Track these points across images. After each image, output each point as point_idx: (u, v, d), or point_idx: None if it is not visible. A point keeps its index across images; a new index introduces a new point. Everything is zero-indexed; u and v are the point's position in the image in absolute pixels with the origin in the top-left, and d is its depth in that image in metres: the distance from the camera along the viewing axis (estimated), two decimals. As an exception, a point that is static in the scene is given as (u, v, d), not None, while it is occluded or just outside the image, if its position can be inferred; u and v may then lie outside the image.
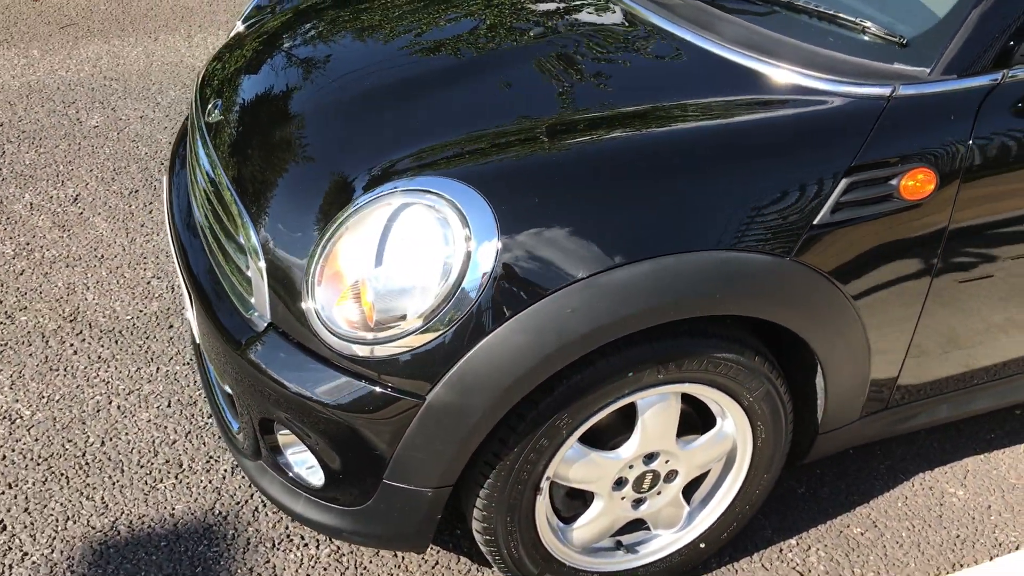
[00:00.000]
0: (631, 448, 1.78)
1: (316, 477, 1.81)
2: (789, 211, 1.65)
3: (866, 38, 1.84)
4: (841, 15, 1.88)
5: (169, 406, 2.42)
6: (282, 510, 1.91)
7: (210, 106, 2.09)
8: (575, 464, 1.76)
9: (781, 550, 2.10)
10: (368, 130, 1.84)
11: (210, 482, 2.22)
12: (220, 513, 2.14)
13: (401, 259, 1.60)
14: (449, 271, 1.55)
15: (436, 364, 1.57)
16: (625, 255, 1.56)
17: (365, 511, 1.76)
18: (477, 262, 1.53)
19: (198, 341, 2.04)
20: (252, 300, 1.78)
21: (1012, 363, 2.09)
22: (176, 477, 2.23)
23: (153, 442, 2.31)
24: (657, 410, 1.76)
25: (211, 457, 2.28)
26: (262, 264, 1.74)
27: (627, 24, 2.06)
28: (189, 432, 2.35)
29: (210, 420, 2.39)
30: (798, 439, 1.99)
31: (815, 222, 1.66)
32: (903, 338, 1.88)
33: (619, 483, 1.83)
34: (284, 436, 1.83)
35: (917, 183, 1.70)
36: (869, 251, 1.73)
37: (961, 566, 2.08)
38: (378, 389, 1.61)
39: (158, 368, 2.52)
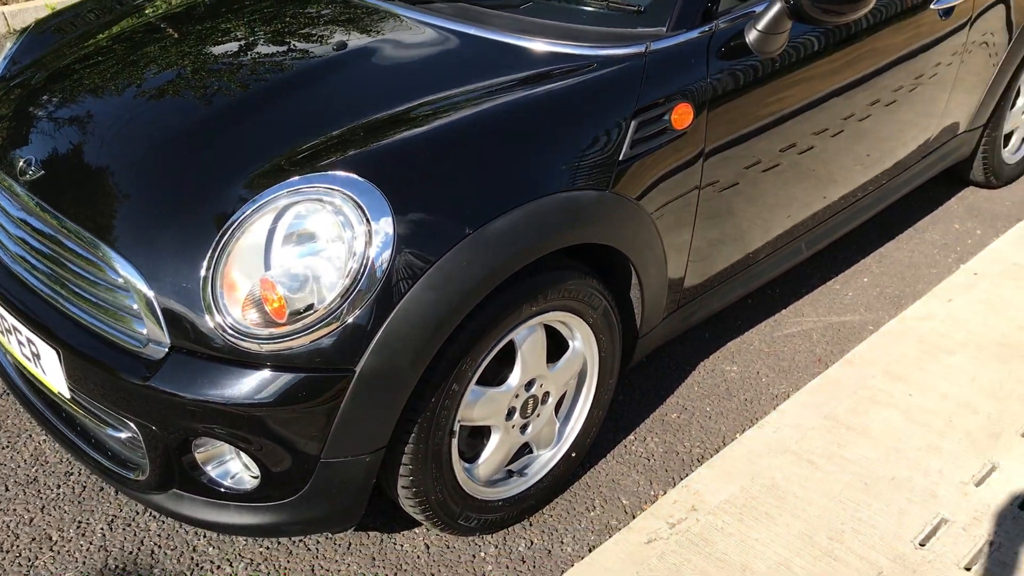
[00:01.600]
0: (515, 379, 2.07)
1: (246, 482, 1.90)
2: (601, 153, 2.02)
3: (610, 11, 2.27)
4: (587, -3, 2.29)
5: (7, 490, 2.32)
6: (207, 528, 1.98)
7: (21, 164, 2.07)
8: (476, 404, 2.01)
9: (624, 444, 2.49)
10: (219, 149, 1.97)
11: (91, 543, 2.19)
12: (117, 568, 2.13)
13: (303, 252, 1.76)
14: (354, 253, 1.74)
15: (360, 337, 1.76)
16: (496, 208, 1.85)
17: (302, 498, 1.89)
18: (378, 239, 1.74)
19: (64, 393, 2.01)
20: (143, 331, 1.84)
21: (756, 252, 2.63)
22: (51, 550, 2.17)
23: (7, 526, 2.22)
24: (531, 342, 2.06)
25: (80, 521, 2.24)
26: (149, 292, 1.81)
27: (403, 24, 2.33)
28: (43, 506, 2.28)
29: (60, 489, 2.32)
30: (623, 347, 2.38)
31: (620, 159, 2.05)
32: (686, 244, 2.33)
33: (510, 413, 2.11)
34: (202, 453, 1.91)
35: (681, 115, 2.15)
36: (658, 176, 2.15)
37: (757, 419, 2.59)
38: (308, 375, 1.76)
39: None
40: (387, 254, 1.74)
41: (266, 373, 1.77)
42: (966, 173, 3.65)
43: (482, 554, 2.17)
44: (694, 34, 2.22)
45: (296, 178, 1.81)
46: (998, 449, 2.46)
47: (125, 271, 1.84)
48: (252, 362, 1.78)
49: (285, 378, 1.77)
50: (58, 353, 1.95)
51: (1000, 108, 3.46)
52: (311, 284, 1.76)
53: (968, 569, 2.13)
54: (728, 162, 2.32)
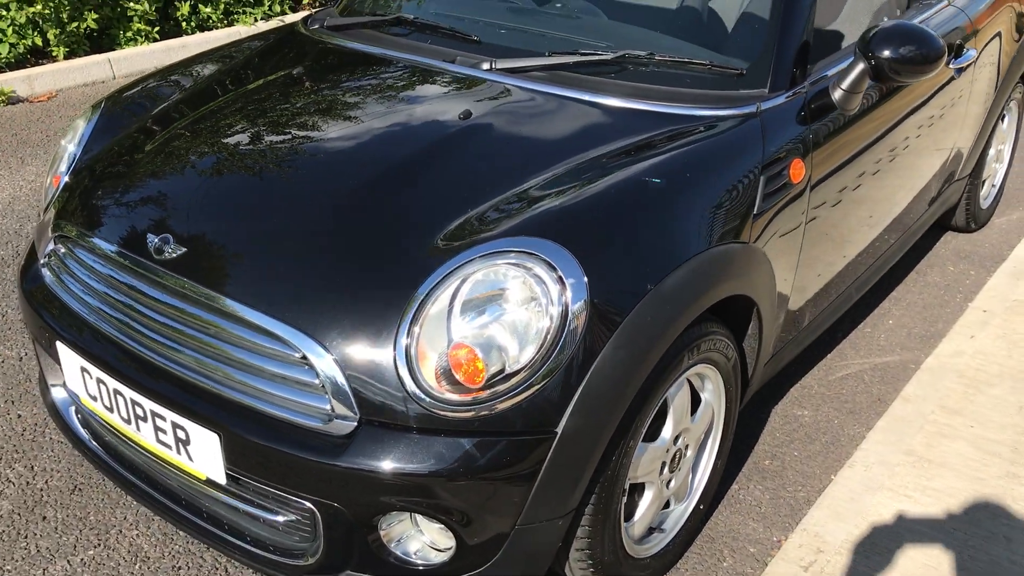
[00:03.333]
0: (668, 432, 2.10)
1: (432, 556, 1.86)
2: (741, 208, 2.10)
3: (711, 73, 2.37)
4: (692, 60, 2.38)
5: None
6: (388, 609, 1.91)
7: (155, 243, 1.98)
8: (639, 460, 2.03)
9: (731, 494, 2.54)
10: (386, 218, 1.95)
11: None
12: (266, 659, 2.02)
13: (499, 317, 1.76)
14: (551, 315, 1.75)
15: (560, 398, 1.76)
16: (668, 264, 1.90)
17: (491, 567, 1.86)
18: (573, 300, 1.76)
19: (218, 479, 1.92)
20: (326, 407, 1.78)
21: (830, 289, 2.73)
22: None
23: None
24: (681, 395, 2.10)
25: (209, 616, 2.12)
26: (334, 368, 1.76)
27: (513, 93, 2.35)
28: (162, 604, 2.14)
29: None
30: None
31: (755, 212, 2.14)
32: (790, 287, 2.42)
33: (661, 468, 2.13)
34: (387, 530, 1.85)
35: (796, 170, 2.27)
36: (776, 224, 2.24)
37: (843, 460, 2.68)
38: (511, 439, 1.75)
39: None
40: (582, 314, 1.76)
41: (468, 440, 1.75)
42: (948, 219, 3.91)
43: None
44: (790, 94, 2.34)
45: (486, 243, 1.82)
46: (1066, 471, 2.63)
47: (305, 347, 1.79)
48: (452, 430, 1.75)
49: (489, 444, 1.75)
50: (220, 436, 1.86)
51: (983, 157, 3.75)
52: (508, 348, 1.75)
53: (1084, 585, 2.25)
54: (819, 212, 2.44)
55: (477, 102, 2.30)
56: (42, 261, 2.29)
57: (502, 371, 1.75)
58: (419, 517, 1.86)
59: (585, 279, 1.78)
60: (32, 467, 2.57)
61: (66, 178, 2.39)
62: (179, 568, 2.26)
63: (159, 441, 2.00)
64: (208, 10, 6.33)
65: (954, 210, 3.85)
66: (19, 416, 2.77)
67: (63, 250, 2.23)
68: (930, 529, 2.40)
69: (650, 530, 2.24)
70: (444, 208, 1.96)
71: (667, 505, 2.27)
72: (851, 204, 2.62)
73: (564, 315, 1.76)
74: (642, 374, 1.85)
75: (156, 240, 2.00)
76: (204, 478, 1.97)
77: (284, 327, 1.81)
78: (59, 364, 2.19)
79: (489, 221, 1.89)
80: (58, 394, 2.39)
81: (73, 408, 2.37)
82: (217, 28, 6.44)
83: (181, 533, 2.36)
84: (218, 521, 2.05)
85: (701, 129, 2.18)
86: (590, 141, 2.15)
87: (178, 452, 1.97)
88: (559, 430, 1.77)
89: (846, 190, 2.55)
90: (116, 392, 2.03)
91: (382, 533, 1.85)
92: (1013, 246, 3.95)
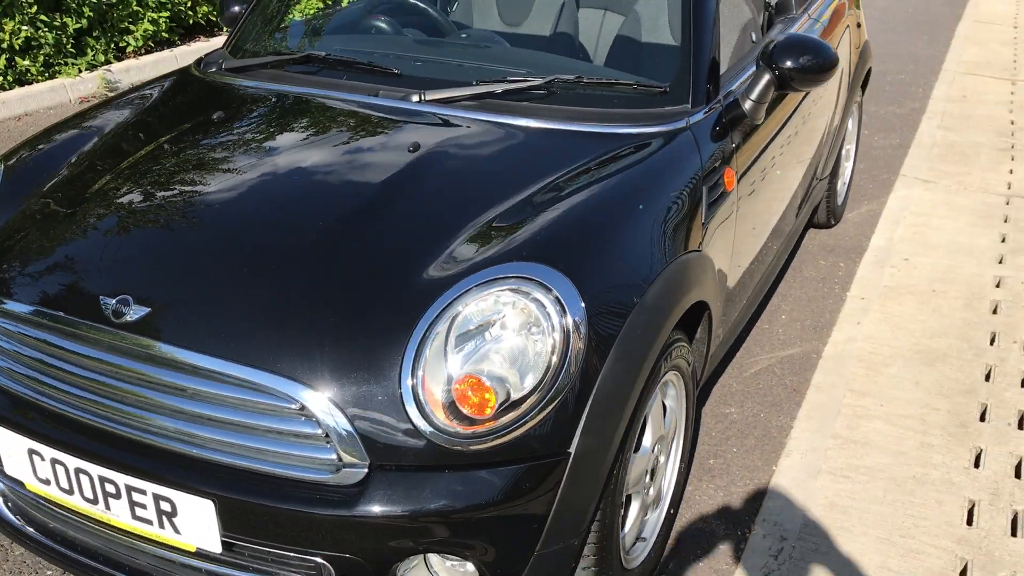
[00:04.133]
0: (648, 441, 2.14)
1: (455, 593, 1.82)
2: (691, 218, 2.19)
3: (635, 93, 2.45)
4: (619, 81, 2.46)
5: None
6: (408, 658, 1.85)
7: (113, 306, 1.85)
8: (631, 472, 2.06)
9: (687, 497, 2.61)
10: (362, 257, 1.90)
11: None
12: None
13: (502, 345, 1.76)
14: (555, 342, 1.76)
15: (570, 419, 1.78)
16: (646, 277, 1.95)
17: (509, 606, 1.84)
18: (573, 322, 1.78)
19: (212, 549, 1.82)
20: (332, 457, 1.73)
21: (746, 284, 2.86)
22: None
23: None
24: (656, 403, 2.15)
25: None
26: (338, 415, 1.71)
27: (458, 124, 2.35)
28: None
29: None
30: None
31: (703, 222, 2.23)
32: (726, 289, 2.53)
33: (645, 477, 2.17)
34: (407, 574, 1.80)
35: (729, 178, 2.38)
36: (715, 231, 2.35)
37: (779, 450, 2.82)
38: (529, 464, 1.75)
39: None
40: (583, 334, 1.79)
41: (486, 472, 1.73)
42: (812, 216, 4.18)
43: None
44: (708, 108, 2.46)
45: (478, 272, 1.81)
46: (971, 435, 2.87)
47: (302, 397, 1.72)
48: (468, 464, 1.73)
49: (507, 472, 1.74)
50: (215, 503, 1.75)
51: (838, 158, 4.04)
52: (514, 375, 1.75)
53: (1015, 535, 2.46)
54: (740, 214, 2.56)
55: (419, 134, 2.28)
56: None
57: (510, 399, 1.74)
58: (433, 559, 1.82)
59: (582, 302, 1.80)
60: (-50, 569, 2.33)
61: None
62: (150, 653, 2.10)
63: (136, 518, 1.86)
64: (26, 63, 5.95)
65: (817, 208, 4.12)
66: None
67: (-11, 326, 2.04)
68: (873, 504, 2.56)
69: (635, 540, 2.28)
70: (422, 241, 1.93)
71: (644, 514, 2.32)
72: (759, 204, 2.77)
73: (566, 336, 1.77)
74: (639, 386, 1.89)
75: (113, 303, 1.87)
76: (193, 550, 1.85)
77: (276, 378, 1.74)
78: (-4, 451, 2.00)
79: (472, 250, 1.89)
80: (-14, 489, 2.18)
81: (0, 499, 2.17)
82: (38, 81, 6.06)
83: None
84: (207, 595, 1.93)
85: (649, 144, 2.25)
86: (544, 165, 2.18)
87: (160, 526, 1.84)
88: (572, 450, 1.78)
89: (754, 193, 2.69)
90: (79, 471, 1.87)
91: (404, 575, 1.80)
92: (868, 237, 4.27)
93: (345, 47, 2.76)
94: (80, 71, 6.32)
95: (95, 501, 1.89)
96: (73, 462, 1.87)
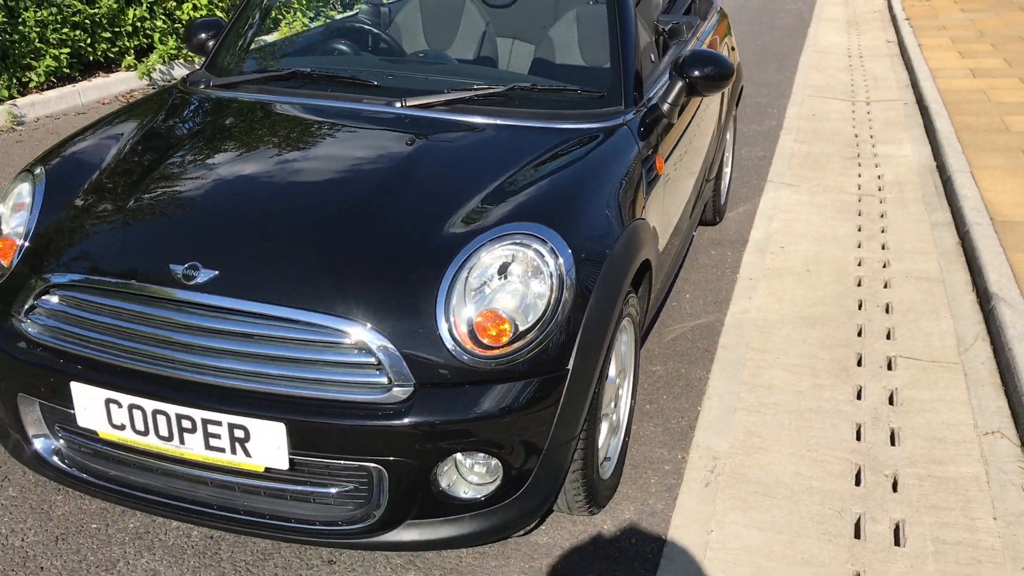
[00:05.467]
0: (613, 372, 2.64)
1: (482, 490, 2.26)
2: (635, 193, 2.72)
3: (580, 95, 2.98)
4: (566, 87, 2.97)
5: None
6: (442, 546, 2.29)
7: (183, 271, 2.22)
8: (604, 393, 2.55)
9: (633, 431, 3.11)
10: (392, 217, 2.34)
11: None
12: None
13: (513, 285, 2.23)
14: (552, 284, 2.24)
15: (568, 342, 2.26)
16: (612, 236, 2.46)
17: (525, 491, 2.30)
18: (566, 267, 2.27)
19: (280, 466, 2.19)
20: (383, 380, 2.15)
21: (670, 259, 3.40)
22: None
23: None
24: (618, 341, 2.65)
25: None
26: (390, 345, 2.14)
27: (435, 121, 2.81)
28: None
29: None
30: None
31: (644, 196, 2.76)
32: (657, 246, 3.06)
33: (612, 402, 2.66)
34: (445, 476, 2.23)
35: (659, 163, 2.92)
36: (651, 203, 2.88)
37: (700, 396, 3.36)
38: (540, 378, 2.22)
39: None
40: (573, 277, 2.27)
41: (507, 385, 2.18)
42: (701, 214, 4.80)
43: (606, 525, 2.66)
44: (636, 110, 3.00)
45: (491, 230, 2.27)
46: (851, 376, 3.49)
47: (359, 334, 2.14)
48: (492, 380, 2.18)
49: (522, 386, 2.20)
50: (286, 425, 2.14)
51: (722, 163, 4.68)
52: (525, 308, 2.22)
53: (894, 444, 3.07)
54: (665, 191, 3.11)
55: (410, 131, 2.73)
56: (20, 316, 2.39)
57: (519, 329, 2.21)
58: (463, 463, 2.26)
59: (569, 251, 2.29)
60: (-1, 530, 2.60)
61: (25, 241, 2.48)
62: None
63: (209, 447, 2.22)
64: (-66, 99, 6.04)
65: (705, 206, 4.75)
66: (-44, 490, 2.75)
67: (55, 300, 2.36)
68: (782, 430, 3.13)
69: (603, 458, 2.76)
70: (436, 209, 2.39)
71: (610, 436, 2.81)
72: (676, 187, 3.33)
73: (560, 279, 2.25)
74: (613, 320, 2.39)
75: (182, 268, 2.24)
76: (262, 470, 2.22)
77: (334, 319, 2.15)
78: (69, 407, 2.32)
79: (482, 213, 2.36)
80: (41, 444, 2.48)
81: (54, 454, 2.47)
82: (-53, 116, 6.15)
83: (190, 546, 2.53)
84: (259, 513, 2.29)
85: (597, 136, 2.77)
86: (518, 150, 2.67)
87: (233, 452, 2.21)
88: (569, 367, 2.25)
89: (671, 178, 3.25)
90: (156, 412, 2.22)
91: (442, 479, 2.22)
92: (748, 231, 4.93)
93: (322, 65, 3.19)
94: (-14, 106, 6.43)
95: (169, 438, 2.24)
96: (151, 405, 2.22)
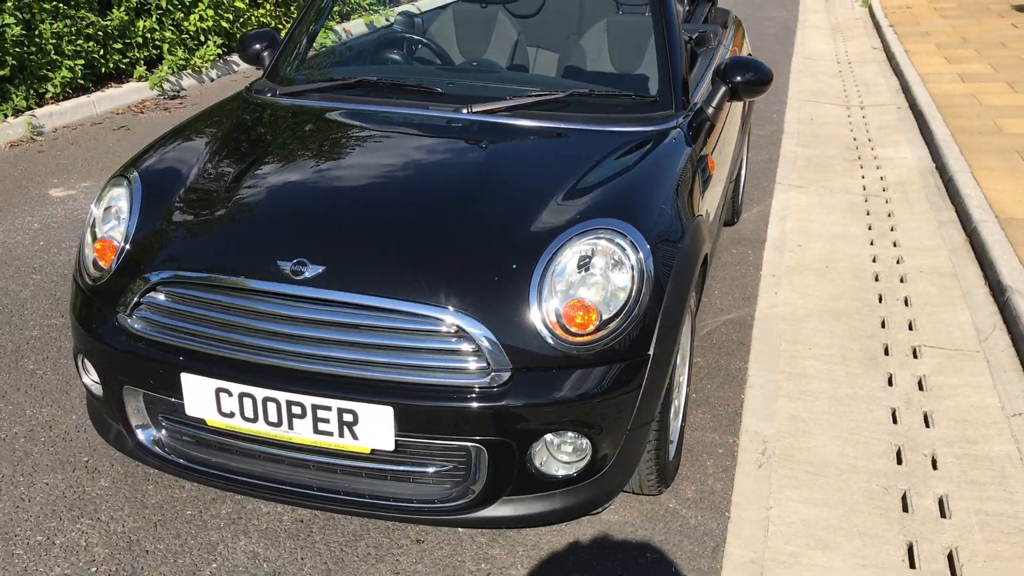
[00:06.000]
0: (678, 360, 2.81)
1: (573, 468, 2.42)
2: (692, 192, 2.90)
3: (634, 101, 3.16)
4: (621, 92, 3.15)
5: None
6: (534, 522, 2.45)
7: (290, 267, 2.37)
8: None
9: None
10: (481, 214, 2.50)
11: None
12: None
13: (599, 276, 2.40)
14: (634, 272, 2.42)
15: (649, 330, 2.43)
16: (681, 232, 2.64)
17: (610, 469, 2.46)
18: (645, 260, 2.44)
19: (386, 447, 2.34)
20: (483, 365, 2.31)
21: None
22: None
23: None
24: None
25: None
26: (487, 335, 2.30)
27: (504, 126, 2.98)
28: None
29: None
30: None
31: (701, 194, 2.94)
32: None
33: (676, 387, 2.84)
34: (538, 455, 2.39)
35: (711, 164, 3.11)
36: (705, 201, 3.06)
37: (742, 384, 3.54)
38: (625, 363, 2.39)
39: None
40: (651, 270, 2.44)
41: (596, 369, 2.35)
42: (720, 215, 5.01)
43: (671, 503, 2.83)
44: (687, 113, 3.19)
45: (577, 224, 2.44)
46: (881, 364, 3.69)
47: (461, 322, 2.30)
48: (583, 364, 2.35)
49: (609, 370, 2.37)
50: (393, 408, 2.30)
51: (741, 165, 4.88)
52: (608, 298, 2.39)
53: (928, 426, 3.27)
54: (708, 192, 3.30)
55: (482, 135, 2.91)
56: (125, 312, 2.52)
57: (603, 317, 2.38)
58: (554, 442, 2.42)
59: (647, 245, 2.46)
60: (98, 518, 2.73)
61: (126, 244, 2.61)
62: (302, 559, 2.59)
63: (317, 431, 2.37)
64: (-45, 110, 6.14)
65: (725, 206, 4.95)
66: (53, 481, 2.88)
67: (161, 297, 2.50)
68: (823, 415, 3.32)
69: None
70: (521, 205, 2.55)
71: (674, 419, 2.98)
72: (717, 188, 3.52)
73: (640, 272, 2.42)
74: (686, 310, 2.56)
75: (290, 264, 2.39)
76: (368, 451, 2.37)
77: (439, 310, 2.31)
78: (177, 397, 2.46)
79: (563, 210, 2.53)
80: (143, 434, 2.61)
81: (156, 443, 2.61)
82: (-32, 128, 6.25)
83: (283, 529, 2.68)
84: (359, 493, 2.45)
85: (654, 138, 2.95)
86: (586, 152, 2.84)
87: (340, 435, 2.36)
88: (651, 353, 2.43)
89: (715, 180, 3.44)
90: (267, 400, 2.37)
91: (536, 457, 2.38)
92: (764, 231, 5.14)
93: (382, 73, 3.35)
94: (5, 116, 6.52)
95: (279, 423, 2.39)
96: (262, 393, 2.37)
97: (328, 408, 2.34)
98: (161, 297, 2.50)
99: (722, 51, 4.23)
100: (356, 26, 7.08)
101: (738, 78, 3.23)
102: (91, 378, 2.71)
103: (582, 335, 2.36)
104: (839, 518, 2.80)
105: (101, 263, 2.66)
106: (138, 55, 7.84)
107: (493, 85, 3.27)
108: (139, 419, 2.61)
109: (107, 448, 3.04)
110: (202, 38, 8.41)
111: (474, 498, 2.39)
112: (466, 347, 2.31)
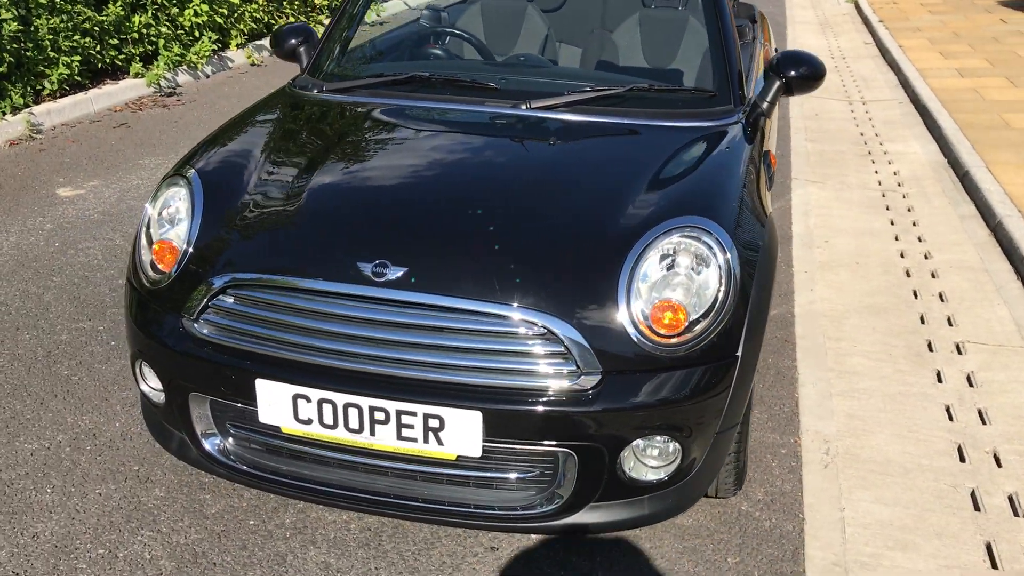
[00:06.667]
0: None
1: (662, 472, 2.37)
2: (760, 186, 2.85)
3: (693, 95, 3.11)
4: (680, 87, 3.10)
5: None
6: (621, 527, 2.40)
7: (371, 269, 2.29)
8: (752, 380, 2.68)
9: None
10: (562, 214, 2.44)
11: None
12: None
13: (686, 276, 2.34)
14: (722, 272, 2.36)
15: (736, 331, 2.38)
16: (762, 229, 2.59)
17: (697, 473, 2.41)
18: (732, 259, 2.38)
19: (472, 453, 2.27)
20: (572, 369, 2.24)
21: None
22: None
23: None
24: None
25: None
26: (576, 336, 2.24)
27: (577, 124, 2.92)
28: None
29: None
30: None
31: (765, 189, 2.90)
32: None
33: (750, 388, 2.79)
34: (627, 460, 2.33)
35: (773, 158, 3.06)
36: (767, 196, 3.02)
37: (794, 383, 3.50)
38: (712, 365, 2.33)
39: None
40: (737, 269, 2.39)
41: (686, 372, 2.30)
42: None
43: (743, 506, 2.79)
44: (745, 108, 3.14)
45: (662, 223, 2.38)
46: (927, 361, 3.67)
47: (550, 324, 2.23)
48: (673, 367, 2.29)
49: (700, 372, 2.31)
50: (483, 413, 2.22)
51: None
52: (695, 298, 2.34)
53: (985, 423, 3.25)
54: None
55: (548, 130, 2.84)
56: (191, 317, 2.43)
57: (691, 317, 2.32)
58: (642, 447, 2.36)
59: (732, 242, 2.41)
60: (159, 529, 2.64)
61: (188, 246, 2.51)
62: (376, 570, 2.51)
63: (401, 438, 2.29)
64: (-44, 107, 5.97)
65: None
66: (105, 491, 2.78)
67: (230, 301, 2.41)
68: (879, 413, 3.29)
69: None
70: (601, 202, 2.49)
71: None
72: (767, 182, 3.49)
73: (728, 271, 2.37)
74: (768, 309, 2.51)
75: (371, 267, 2.31)
76: (454, 458, 2.30)
77: (526, 311, 2.24)
78: (249, 404, 2.37)
79: (644, 207, 2.47)
80: (209, 443, 2.53)
81: (221, 452, 2.53)
82: (-33, 126, 6.08)
83: (351, 539, 2.60)
84: (439, 500, 2.38)
85: (720, 133, 2.90)
86: (655, 148, 2.79)
87: (425, 442, 2.28)
88: (739, 354, 2.37)
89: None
90: (348, 406, 2.29)
91: (625, 461, 2.32)
92: (790, 226, 5.11)
93: (431, 69, 3.27)
94: (3, 114, 6.36)
95: (360, 430, 2.31)
96: (343, 399, 2.29)
97: (413, 413, 2.27)
98: (230, 301, 2.41)
99: (757, 46, 4.19)
100: (394, 4, 6.91)
101: (792, 72, 3.19)
102: (151, 385, 2.61)
103: (671, 336, 2.30)
104: (913, 518, 2.76)
105: (160, 266, 2.56)
106: (133, 51, 7.68)
107: (548, 80, 3.21)
108: (205, 427, 2.53)
109: (156, 457, 2.94)
110: (196, 33, 8.26)
111: (561, 504, 2.33)
112: (555, 350, 2.25)
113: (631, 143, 2.85)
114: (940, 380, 3.54)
